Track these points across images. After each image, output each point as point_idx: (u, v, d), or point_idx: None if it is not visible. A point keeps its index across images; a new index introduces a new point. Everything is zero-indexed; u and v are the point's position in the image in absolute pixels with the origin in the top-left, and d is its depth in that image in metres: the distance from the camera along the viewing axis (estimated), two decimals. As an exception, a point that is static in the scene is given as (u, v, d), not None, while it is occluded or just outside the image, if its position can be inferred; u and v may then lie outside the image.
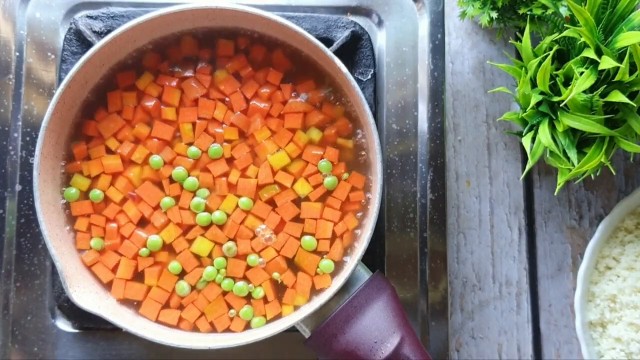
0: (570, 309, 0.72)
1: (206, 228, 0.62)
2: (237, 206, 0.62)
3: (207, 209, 0.62)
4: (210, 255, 0.62)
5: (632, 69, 0.57)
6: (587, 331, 0.68)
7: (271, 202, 0.62)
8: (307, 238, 0.62)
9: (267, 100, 0.63)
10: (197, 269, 0.62)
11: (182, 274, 0.62)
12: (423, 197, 0.67)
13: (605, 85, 0.58)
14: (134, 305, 0.61)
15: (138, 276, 0.62)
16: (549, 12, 0.63)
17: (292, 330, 0.59)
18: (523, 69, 0.63)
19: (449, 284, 0.71)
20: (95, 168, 0.62)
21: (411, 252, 0.66)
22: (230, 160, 0.63)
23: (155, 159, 0.62)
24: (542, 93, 0.61)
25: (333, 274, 0.62)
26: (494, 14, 0.66)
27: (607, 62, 0.55)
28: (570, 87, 0.57)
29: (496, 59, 0.74)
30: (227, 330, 0.61)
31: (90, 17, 0.65)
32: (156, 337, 0.57)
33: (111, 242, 0.61)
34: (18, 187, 0.65)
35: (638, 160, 0.74)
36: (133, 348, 0.64)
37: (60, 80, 0.65)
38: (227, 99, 0.63)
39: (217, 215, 0.62)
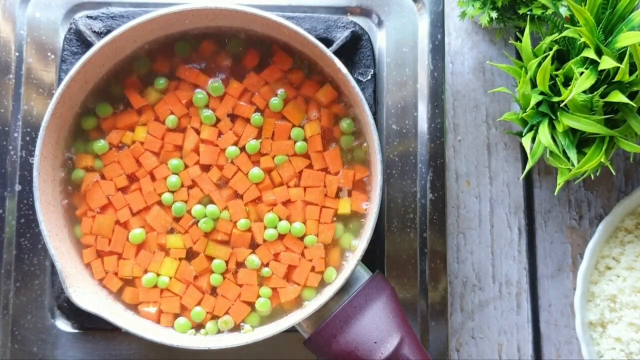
0: (570, 309, 0.72)
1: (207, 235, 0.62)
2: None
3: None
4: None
5: (632, 69, 0.57)
6: (587, 331, 0.68)
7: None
8: (309, 238, 0.62)
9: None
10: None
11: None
12: (423, 197, 0.67)
13: (605, 86, 0.58)
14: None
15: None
16: (549, 12, 0.63)
17: (292, 330, 0.59)
18: (523, 69, 0.63)
19: (449, 284, 0.71)
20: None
21: (411, 252, 0.66)
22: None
23: (174, 162, 0.62)
24: (542, 93, 0.61)
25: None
26: (494, 14, 0.66)
27: (607, 62, 0.55)
28: (570, 87, 0.57)
29: (496, 59, 0.74)
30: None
31: (90, 17, 0.65)
32: (156, 337, 0.57)
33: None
34: (18, 187, 0.65)
35: (638, 160, 0.74)
36: (133, 348, 0.64)
37: (60, 80, 0.65)
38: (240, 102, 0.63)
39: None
